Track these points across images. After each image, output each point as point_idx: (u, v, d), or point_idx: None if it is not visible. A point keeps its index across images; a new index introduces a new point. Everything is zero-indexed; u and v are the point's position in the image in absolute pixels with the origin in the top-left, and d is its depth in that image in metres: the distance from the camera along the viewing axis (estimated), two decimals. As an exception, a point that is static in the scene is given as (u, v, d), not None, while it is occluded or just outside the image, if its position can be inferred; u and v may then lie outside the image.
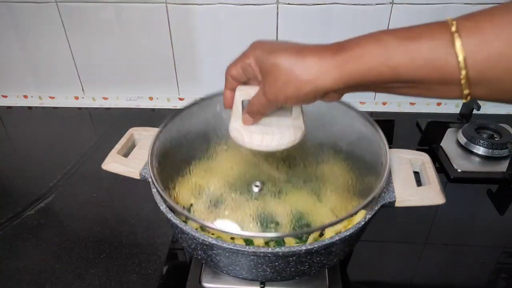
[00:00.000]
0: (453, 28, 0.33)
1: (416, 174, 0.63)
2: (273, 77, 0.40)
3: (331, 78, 0.37)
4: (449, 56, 0.33)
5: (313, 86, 0.38)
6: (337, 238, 0.50)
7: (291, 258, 0.51)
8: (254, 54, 0.42)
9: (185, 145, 0.60)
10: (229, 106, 0.48)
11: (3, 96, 1.15)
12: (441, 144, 0.93)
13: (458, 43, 0.33)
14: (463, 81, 0.33)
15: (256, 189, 0.54)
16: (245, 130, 0.47)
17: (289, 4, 0.94)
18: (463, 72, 0.33)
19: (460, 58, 0.33)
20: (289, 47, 0.40)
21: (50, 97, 1.15)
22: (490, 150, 0.88)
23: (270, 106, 0.44)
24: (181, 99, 1.13)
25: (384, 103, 1.11)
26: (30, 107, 1.13)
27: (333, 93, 0.40)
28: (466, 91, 0.34)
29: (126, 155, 0.64)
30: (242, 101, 0.47)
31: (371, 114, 1.09)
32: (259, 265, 0.52)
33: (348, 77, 0.37)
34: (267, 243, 0.61)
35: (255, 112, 0.46)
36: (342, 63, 0.36)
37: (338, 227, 0.63)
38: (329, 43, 0.39)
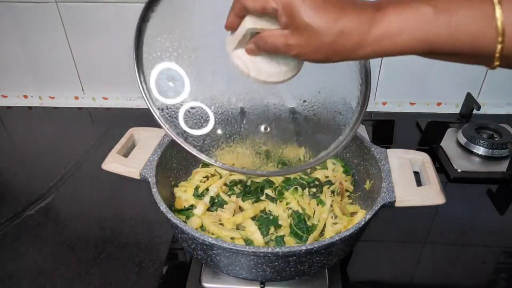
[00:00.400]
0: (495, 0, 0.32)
1: (416, 174, 0.63)
2: (305, 38, 0.37)
3: (365, 53, 0.36)
4: (488, 30, 0.32)
5: (344, 58, 0.37)
6: (337, 238, 0.50)
7: (291, 258, 0.51)
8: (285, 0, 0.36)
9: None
10: (230, 29, 0.43)
11: (3, 96, 1.15)
12: (441, 144, 0.93)
13: (498, 14, 0.32)
14: (497, 55, 0.33)
15: (263, 130, 0.53)
16: (251, 62, 0.43)
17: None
18: (499, 47, 0.32)
19: (500, 30, 0.32)
20: (327, 4, 0.36)
21: (50, 97, 1.15)
22: (490, 150, 0.88)
23: (285, 54, 0.40)
24: (181, 99, 1.13)
25: (384, 103, 1.11)
26: (30, 107, 1.13)
27: None
28: (496, 63, 0.34)
29: (126, 155, 0.65)
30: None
31: (371, 114, 1.09)
32: (259, 265, 0.52)
33: (381, 52, 0.36)
34: (267, 243, 0.61)
35: (265, 49, 0.41)
36: (378, 39, 0.35)
37: (338, 227, 0.63)
38: (366, 3, 0.36)
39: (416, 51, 0.35)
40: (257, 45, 0.41)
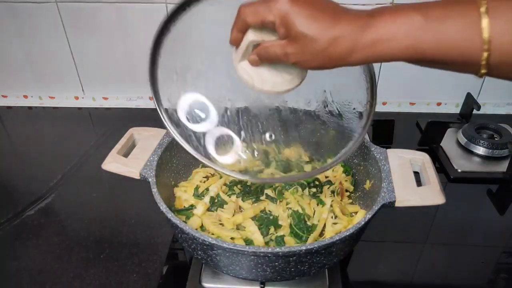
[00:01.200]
0: (482, 9, 0.33)
1: (416, 174, 0.63)
2: (301, 46, 0.39)
3: (358, 58, 0.38)
4: (475, 38, 0.34)
5: (339, 63, 0.39)
6: (337, 238, 0.50)
7: (291, 258, 0.51)
8: (281, 12, 0.38)
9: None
10: (234, 43, 0.46)
11: (3, 96, 1.15)
12: (441, 144, 0.93)
13: (485, 23, 0.33)
14: (483, 62, 0.34)
15: (268, 138, 0.56)
16: (255, 73, 0.46)
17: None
18: (485, 54, 0.34)
19: (485, 39, 0.33)
20: (320, 13, 0.38)
21: (50, 97, 1.15)
22: (490, 150, 0.88)
23: (284, 62, 0.42)
24: (181, 99, 1.12)
25: (384, 103, 1.11)
26: (30, 107, 1.13)
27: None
28: (483, 71, 0.35)
29: (126, 155, 0.65)
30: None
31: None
32: (259, 265, 0.52)
33: (373, 58, 0.38)
34: (267, 243, 0.61)
35: (267, 59, 0.44)
36: (370, 45, 0.37)
37: (338, 227, 0.63)
38: (361, 11, 0.38)
39: (407, 57, 0.37)
40: (259, 55, 0.44)
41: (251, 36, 0.43)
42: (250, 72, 0.46)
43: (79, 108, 1.12)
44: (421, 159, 0.64)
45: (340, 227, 0.63)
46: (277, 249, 0.49)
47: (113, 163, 0.62)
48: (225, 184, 0.70)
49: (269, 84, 0.46)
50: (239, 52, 0.46)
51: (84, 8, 0.97)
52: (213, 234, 0.61)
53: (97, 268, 0.66)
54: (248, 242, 0.60)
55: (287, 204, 0.67)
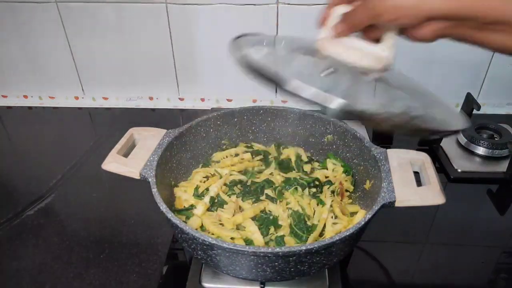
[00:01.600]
0: None
1: (416, 174, 0.63)
2: None
3: (437, 1, 0.39)
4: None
5: (416, 3, 0.40)
6: (337, 238, 0.50)
7: (291, 258, 0.51)
8: None
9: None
10: (323, 20, 0.49)
11: (3, 96, 1.15)
12: (441, 144, 0.93)
13: None
14: None
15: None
16: (334, 47, 0.49)
17: (289, 4, 0.94)
18: None
19: None
20: None
21: (50, 97, 1.15)
22: (490, 150, 0.88)
23: (367, 18, 0.44)
24: (181, 99, 1.13)
25: (384, 103, 1.11)
26: (30, 107, 1.13)
27: (432, 25, 0.41)
28: None
29: (126, 155, 0.65)
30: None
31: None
32: (259, 265, 0.52)
33: (454, 5, 0.39)
34: (267, 243, 0.61)
35: (350, 22, 0.46)
36: None
37: (338, 227, 0.63)
38: None
39: (487, 13, 0.38)
40: (346, 22, 0.47)
41: (340, 9, 0.47)
42: (330, 48, 0.49)
43: (79, 108, 1.12)
44: (421, 159, 0.64)
45: (340, 227, 0.63)
46: (277, 249, 0.49)
47: (113, 163, 0.62)
48: (225, 184, 0.70)
49: (341, 57, 0.49)
50: (325, 28, 0.49)
51: (84, 8, 0.97)
52: (213, 234, 0.61)
53: (97, 268, 0.66)
54: (248, 242, 0.60)
55: (287, 204, 0.67)
